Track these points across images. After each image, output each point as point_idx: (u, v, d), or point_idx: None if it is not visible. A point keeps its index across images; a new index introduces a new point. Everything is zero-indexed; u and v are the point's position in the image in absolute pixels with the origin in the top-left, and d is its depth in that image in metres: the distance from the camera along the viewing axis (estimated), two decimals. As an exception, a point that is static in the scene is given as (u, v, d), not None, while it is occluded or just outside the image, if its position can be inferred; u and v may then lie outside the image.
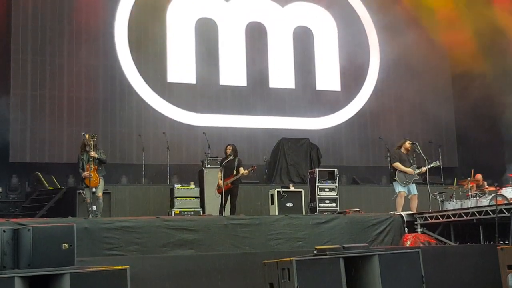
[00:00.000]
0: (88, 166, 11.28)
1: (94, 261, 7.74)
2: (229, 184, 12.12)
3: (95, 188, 11.33)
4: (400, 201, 12.45)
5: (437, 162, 12.82)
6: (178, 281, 8.12)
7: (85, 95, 16.16)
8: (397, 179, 12.49)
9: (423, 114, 19.05)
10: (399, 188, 12.49)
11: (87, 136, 11.61)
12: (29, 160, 15.36)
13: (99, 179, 11.40)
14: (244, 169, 12.22)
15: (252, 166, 12.44)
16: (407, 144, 12.76)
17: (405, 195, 12.50)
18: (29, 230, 5.73)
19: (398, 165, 12.54)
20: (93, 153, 11.36)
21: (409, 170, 12.43)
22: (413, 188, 12.54)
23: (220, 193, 12.17)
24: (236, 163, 12.35)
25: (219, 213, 11.90)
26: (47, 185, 14.06)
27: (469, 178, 13.75)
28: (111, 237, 9.69)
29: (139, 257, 9.18)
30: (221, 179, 12.17)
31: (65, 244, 5.83)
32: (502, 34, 16.56)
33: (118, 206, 13.15)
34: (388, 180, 16.30)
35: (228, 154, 12.45)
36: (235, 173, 12.24)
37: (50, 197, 13.14)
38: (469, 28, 16.72)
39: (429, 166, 12.50)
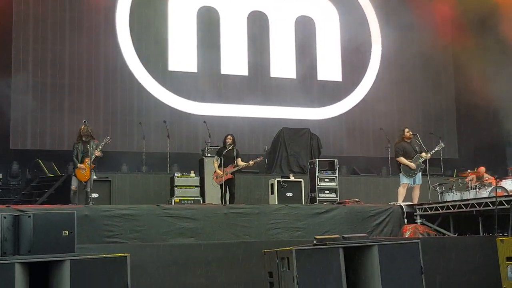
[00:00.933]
0: (87, 160, 11.26)
1: (95, 248, 7.76)
2: (230, 174, 12.14)
3: (85, 182, 11.32)
4: (402, 192, 12.46)
5: (441, 144, 12.77)
6: (178, 269, 8.14)
7: (86, 83, 16.15)
8: (402, 172, 12.49)
9: (424, 105, 19.04)
10: (403, 180, 12.50)
11: (82, 127, 11.58)
12: (30, 147, 15.37)
13: (90, 175, 11.37)
14: (245, 160, 12.24)
15: (259, 157, 12.46)
16: (407, 133, 12.72)
17: (410, 186, 12.50)
18: (29, 216, 5.74)
19: (402, 160, 12.51)
20: (98, 152, 11.35)
21: (411, 164, 12.39)
22: (418, 178, 12.53)
23: (219, 182, 12.18)
24: (235, 153, 12.36)
25: (221, 202, 11.91)
26: (47, 172, 14.07)
27: (469, 170, 13.75)
28: (111, 224, 9.73)
29: (139, 245, 9.22)
30: (218, 168, 12.18)
31: (65, 231, 5.84)
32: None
33: (119, 194, 13.18)
34: (388, 171, 16.33)
35: (229, 144, 12.44)
36: (235, 163, 12.25)
37: (50, 184, 13.15)
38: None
39: (434, 150, 12.49)
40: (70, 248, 5.84)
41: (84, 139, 11.49)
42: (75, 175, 11.36)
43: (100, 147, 11.42)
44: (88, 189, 11.28)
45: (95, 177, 12.19)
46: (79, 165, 11.33)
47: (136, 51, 16.65)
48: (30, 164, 14.89)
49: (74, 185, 11.39)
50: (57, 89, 15.78)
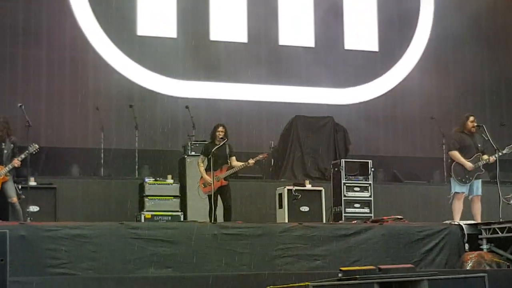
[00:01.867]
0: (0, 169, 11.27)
1: (34, 282, 7.81)
2: (222, 180, 12.15)
3: (6, 192, 11.34)
4: (458, 206, 12.45)
5: None
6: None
7: (21, 51, 16.14)
8: (452, 175, 12.46)
9: (493, 87, 19.00)
10: (455, 188, 12.46)
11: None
12: None
13: (1, 188, 11.37)
14: (243, 160, 12.25)
15: (262, 154, 12.47)
16: (470, 123, 12.69)
17: (465, 197, 12.49)
18: None
19: (455, 154, 12.47)
20: (17, 162, 11.31)
21: (468, 164, 12.38)
22: (477, 186, 12.48)
23: (208, 192, 12.19)
24: (227, 150, 12.39)
25: (210, 220, 11.93)
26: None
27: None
28: (56, 249, 9.72)
29: (95, 278, 9.23)
30: (206, 172, 12.19)
31: (-6, 259, 5.88)
32: None
33: (67, 206, 13.18)
34: (442, 176, 16.32)
35: (220, 137, 12.44)
36: (229, 163, 12.28)
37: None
38: None
39: (501, 153, 12.46)
40: (0, 283, 5.87)
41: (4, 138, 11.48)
42: None
43: (23, 156, 11.41)
44: (12, 199, 11.30)
45: (34, 183, 12.23)
46: None
47: (92, 7, 16.64)
48: None
49: None
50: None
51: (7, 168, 11.26)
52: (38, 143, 11.83)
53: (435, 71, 18.63)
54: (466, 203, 12.56)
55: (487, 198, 12.65)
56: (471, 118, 12.72)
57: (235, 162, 12.37)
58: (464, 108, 17.35)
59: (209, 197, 12.14)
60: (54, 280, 9.03)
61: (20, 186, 11.69)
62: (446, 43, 18.93)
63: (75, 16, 16.54)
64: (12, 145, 11.51)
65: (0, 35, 16.02)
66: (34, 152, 11.51)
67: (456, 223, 12.05)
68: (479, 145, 12.57)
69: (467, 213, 12.51)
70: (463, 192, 12.44)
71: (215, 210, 12.06)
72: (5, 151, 11.40)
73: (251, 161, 12.29)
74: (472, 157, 12.45)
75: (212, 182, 12.03)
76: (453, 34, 18.92)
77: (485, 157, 12.43)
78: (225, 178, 12.21)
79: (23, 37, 16.12)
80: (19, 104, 11.99)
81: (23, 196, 11.60)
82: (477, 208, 12.48)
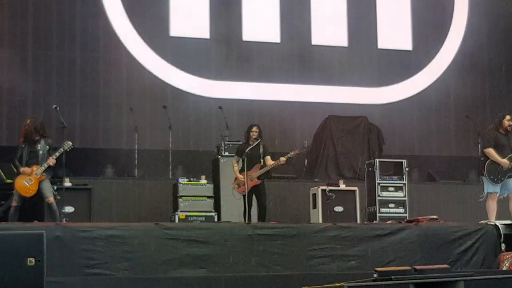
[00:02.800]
0: (35, 169, 11.33)
1: (70, 282, 7.88)
2: (256, 179, 12.18)
3: (43, 191, 11.44)
4: (492, 206, 12.35)
5: None
6: (185, 312, 8.23)
7: (56, 52, 16.28)
8: (485, 174, 12.36)
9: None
10: (488, 188, 12.37)
11: (27, 121, 11.65)
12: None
13: (41, 186, 11.44)
14: (275, 158, 12.26)
15: (293, 150, 12.45)
16: (506, 122, 12.59)
17: (501, 196, 12.40)
18: (-18, 239, 5.85)
19: (490, 151, 12.34)
20: (52, 160, 11.38)
21: (503, 161, 12.28)
22: (510, 186, 12.40)
23: (242, 192, 12.22)
24: (261, 149, 12.40)
25: (244, 220, 11.96)
26: (4, 177, 14.24)
27: None
28: (92, 250, 9.79)
29: (131, 279, 9.31)
30: (240, 173, 12.22)
31: (31, 259, 5.94)
32: None
33: (101, 207, 13.30)
34: (477, 177, 16.20)
35: (254, 138, 12.46)
36: (262, 163, 12.31)
37: (8, 193, 13.29)
38: None
39: None
40: (38, 283, 5.93)
41: (31, 137, 11.54)
42: (15, 186, 11.41)
43: (57, 154, 11.47)
44: (49, 199, 11.41)
45: (69, 184, 12.33)
46: (22, 169, 11.34)
47: (126, 8, 16.75)
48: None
49: (15, 199, 11.47)
50: (14, 63, 15.93)
51: (42, 167, 11.34)
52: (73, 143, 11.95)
53: (469, 70, 18.50)
54: (504, 203, 12.45)
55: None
56: (508, 117, 12.58)
57: (269, 161, 12.35)
58: (499, 108, 17.20)
59: (244, 197, 12.18)
60: (90, 280, 9.11)
61: (55, 187, 11.78)
62: (480, 42, 18.78)
63: (108, 18, 16.66)
64: (47, 146, 11.59)
65: (35, 39, 16.18)
66: (68, 150, 11.58)
67: (492, 223, 11.96)
68: (512, 146, 12.48)
69: (504, 214, 12.41)
70: (496, 192, 12.36)
71: (249, 210, 12.10)
72: (41, 152, 11.47)
73: (282, 159, 12.25)
74: (506, 157, 12.35)
75: (245, 182, 12.06)
76: (487, 32, 18.79)
77: None
78: (258, 177, 12.23)
79: (57, 39, 16.26)
80: (54, 106, 12.08)
81: (58, 197, 11.68)
82: (512, 207, 12.40)
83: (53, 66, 16.22)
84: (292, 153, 12.42)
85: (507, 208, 12.48)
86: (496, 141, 12.45)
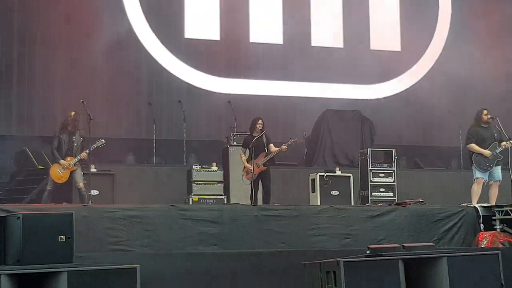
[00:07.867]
0: (69, 159, 11.44)
1: (96, 257, 7.89)
2: (262, 166, 12.22)
3: (75, 178, 11.55)
4: (477, 190, 12.39)
5: None
6: (198, 283, 8.23)
7: (82, 54, 16.26)
8: (474, 164, 12.40)
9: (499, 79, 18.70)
10: (477, 174, 12.42)
11: (72, 113, 11.77)
12: (15, 133, 15.58)
13: (73, 174, 11.58)
14: (278, 145, 12.30)
15: (293, 139, 12.49)
16: (484, 116, 12.61)
17: (485, 182, 12.40)
18: (18, 218, 5.85)
19: (472, 146, 12.42)
20: (84, 155, 11.49)
21: (485, 151, 12.32)
22: (497, 172, 12.41)
23: (250, 178, 12.26)
24: (265, 139, 12.48)
25: (251, 202, 12.00)
26: (36, 163, 14.27)
27: None
28: (115, 228, 9.82)
29: (150, 254, 9.32)
30: (247, 162, 12.28)
31: (62, 236, 5.95)
32: None
33: (124, 190, 13.32)
34: (459, 164, 16.20)
35: (260, 129, 12.53)
36: (266, 151, 12.35)
37: (40, 178, 13.33)
38: None
39: None
40: (68, 257, 5.95)
41: (69, 128, 11.68)
42: (50, 174, 11.60)
43: (91, 149, 11.58)
44: (79, 185, 11.51)
45: (94, 170, 12.38)
46: (61, 161, 11.51)
47: (145, 13, 16.75)
48: (16, 154, 15.10)
49: (49, 184, 11.62)
50: (48, 62, 15.93)
51: (75, 159, 11.49)
52: (97, 134, 11.99)
53: (454, 69, 18.38)
54: (485, 188, 12.50)
55: (500, 184, 12.56)
56: (485, 111, 12.66)
57: (272, 148, 12.45)
58: (481, 102, 17.11)
59: (251, 182, 12.24)
60: (113, 255, 9.12)
61: (82, 173, 11.86)
62: (463, 45, 18.63)
63: (129, 21, 16.65)
64: (81, 138, 11.74)
65: (61, 39, 16.16)
66: (101, 146, 11.74)
67: (472, 205, 12.00)
68: (495, 135, 12.50)
69: (482, 197, 12.43)
70: (483, 178, 12.38)
71: (255, 194, 12.13)
72: (75, 144, 11.67)
73: (283, 146, 12.36)
74: (490, 146, 12.40)
75: (252, 170, 12.11)
76: (471, 35, 18.68)
77: (503, 143, 12.36)
78: (264, 164, 12.30)
79: (85, 39, 16.22)
80: (81, 100, 12.10)
81: (85, 181, 11.77)
82: (494, 193, 12.42)
83: (81, 64, 16.12)
84: (292, 141, 12.49)
85: (486, 193, 12.53)
86: (478, 136, 12.52)
